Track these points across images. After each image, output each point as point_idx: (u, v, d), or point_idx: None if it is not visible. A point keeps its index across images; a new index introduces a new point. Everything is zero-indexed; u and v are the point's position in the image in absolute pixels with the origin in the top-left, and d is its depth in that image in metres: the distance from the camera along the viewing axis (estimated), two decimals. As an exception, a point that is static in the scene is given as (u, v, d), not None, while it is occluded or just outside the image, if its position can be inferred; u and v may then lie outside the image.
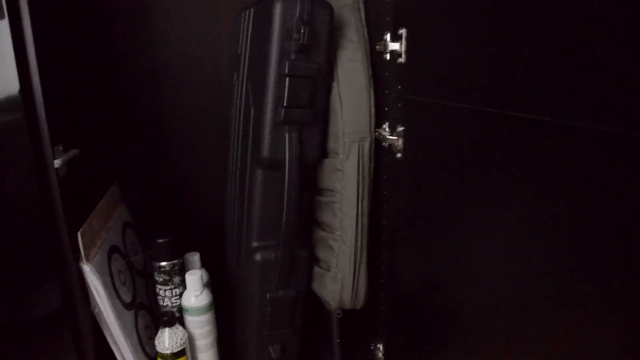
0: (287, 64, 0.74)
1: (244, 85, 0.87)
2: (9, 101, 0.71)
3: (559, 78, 0.41)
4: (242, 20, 0.90)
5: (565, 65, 0.40)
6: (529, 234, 0.47)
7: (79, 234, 0.79)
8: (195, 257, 1.00)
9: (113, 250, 0.93)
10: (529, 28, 0.44)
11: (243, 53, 0.89)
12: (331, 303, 0.89)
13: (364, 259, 0.86)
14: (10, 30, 0.70)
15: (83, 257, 0.81)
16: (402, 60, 0.71)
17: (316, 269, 0.91)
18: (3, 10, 0.68)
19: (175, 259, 0.96)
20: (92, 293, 0.82)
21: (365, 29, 0.84)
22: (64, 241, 0.79)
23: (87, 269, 0.81)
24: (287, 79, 0.75)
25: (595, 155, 0.38)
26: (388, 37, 0.75)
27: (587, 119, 0.38)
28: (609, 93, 0.36)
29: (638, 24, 0.33)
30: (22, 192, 0.78)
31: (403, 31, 0.70)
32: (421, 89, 0.67)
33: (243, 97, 0.88)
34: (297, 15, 0.74)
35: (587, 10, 0.37)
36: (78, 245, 0.80)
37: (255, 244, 0.85)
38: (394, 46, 0.72)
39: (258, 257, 0.84)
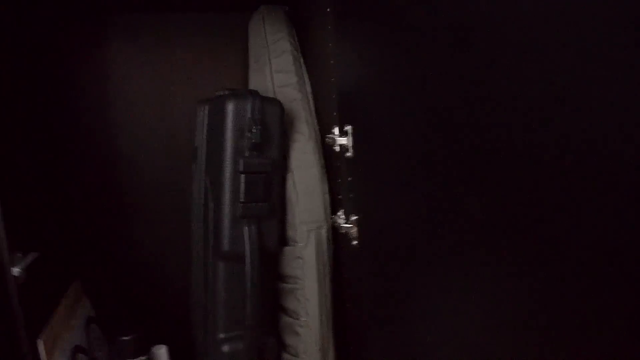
0: (241, 161, 0.78)
1: (202, 180, 0.90)
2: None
3: (493, 170, 0.44)
4: (198, 115, 0.94)
5: (493, 166, 0.44)
6: (481, 311, 0.49)
7: (39, 341, 0.78)
8: (162, 351, 0.98)
9: (76, 350, 0.91)
10: (464, 131, 0.48)
11: (200, 147, 0.92)
12: (301, 390, 0.88)
13: (331, 344, 0.87)
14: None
15: (44, 364, 0.79)
16: (350, 154, 0.75)
17: (285, 356, 0.91)
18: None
19: (141, 356, 0.94)
20: (54, 401, 0.80)
21: (316, 121, 0.89)
22: (24, 350, 0.77)
23: (49, 377, 0.79)
24: (243, 175, 0.78)
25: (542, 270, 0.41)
26: (336, 131, 0.79)
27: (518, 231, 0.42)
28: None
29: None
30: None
31: (349, 128, 0.75)
32: (370, 181, 0.71)
33: (202, 191, 0.90)
34: (249, 115, 0.78)
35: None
36: (38, 352, 0.78)
37: (221, 335, 0.85)
38: (342, 141, 0.77)
39: (225, 348, 0.84)
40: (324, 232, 0.84)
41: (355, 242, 0.78)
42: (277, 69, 0.91)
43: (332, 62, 0.80)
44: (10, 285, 0.76)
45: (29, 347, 0.77)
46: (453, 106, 0.47)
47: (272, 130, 0.81)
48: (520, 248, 0.40)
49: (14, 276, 0.76)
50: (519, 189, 0.39)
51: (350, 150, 0.75)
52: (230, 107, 0.78)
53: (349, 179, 0.77)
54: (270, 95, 0.90)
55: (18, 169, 0.86)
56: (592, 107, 0.31)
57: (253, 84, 0.98)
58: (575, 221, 0.34)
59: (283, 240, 0.87)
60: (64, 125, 1.08)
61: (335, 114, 0.80)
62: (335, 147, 0.80)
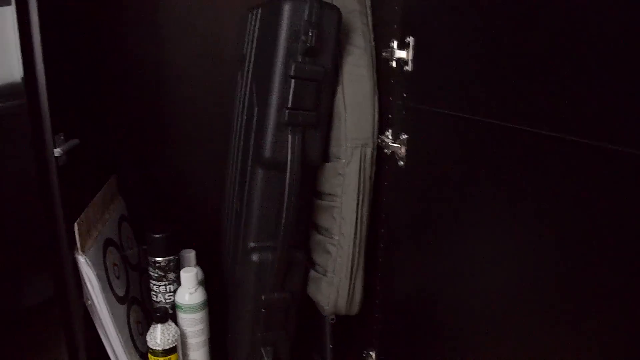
0: (293, 65, 0.74)
1: (248, 86, 0.87)
2: (11, 88, 0.71)
3: (568, 92, 0.40)
4: (249, 20, 0.90)
5: (575, 77, 0.40)
6: (530, 244, 0.47)
7: (75, 224, 0.79)
8: (191, 255, 0.99)
9: (108, 243, 0.93)
10: (538, 41, 0.44)
11: (248, 53, 0.89)
12: (326, 308, 0.88)
13: (361, 266, 0.85)
14: (17, 17, 0.69)
15: (78, 248, 0.80)
16: (408, 68, 0.71)
17: (312, 273, 0.91)
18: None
19: (171, 255, 0.95)
20: (85, 285, 0.82)
21: (372, 35, 0.84)
22: (60, 231, 0.79)
23: (82, 260, 0.81)
24: (293, 80, 0.75)
25: (601, 171, 0.38)
26: (395, 44, 0.75)
27: (592, 133, 0.38)
28: (623, 112, 0.36)
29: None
30: (21, 179, 0.78)
31: (411, 39, 0.70)
32: (427, 98, 0.67)
33: (247, 97, 0.87)
34: (306, 17, 0.74)
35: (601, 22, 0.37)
36: (74, 235, 0.79)
37: (252, 244, 0.85)
38: (401, 54, 0.72)
39: (255, 257, 0.84)
40: (369, 151, 0.81)
41: (401, 163, 0.75)
42: (337, -24, 0.86)
43: (400, -32, 0.74)
44: (51, 165, 0.76)
45: (65, 229, 0.79)
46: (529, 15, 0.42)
47: (327, 37, 0.76)
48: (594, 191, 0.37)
49: (55, 156, 0.76)
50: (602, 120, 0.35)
51: (410, 64, 0.71)
52: (286, 7, 0.74)
53: (404, 94, 0.73)
54: (328, 4, 0.86)
55: (68, 58, 0.85)
56: None
57: (311, -8, 0.94)
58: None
59: (326, 155, 0.84)
60: (113, 25, 1.06)
61: (395, 26, 0.75)
62: (392, 62, 0.76)
